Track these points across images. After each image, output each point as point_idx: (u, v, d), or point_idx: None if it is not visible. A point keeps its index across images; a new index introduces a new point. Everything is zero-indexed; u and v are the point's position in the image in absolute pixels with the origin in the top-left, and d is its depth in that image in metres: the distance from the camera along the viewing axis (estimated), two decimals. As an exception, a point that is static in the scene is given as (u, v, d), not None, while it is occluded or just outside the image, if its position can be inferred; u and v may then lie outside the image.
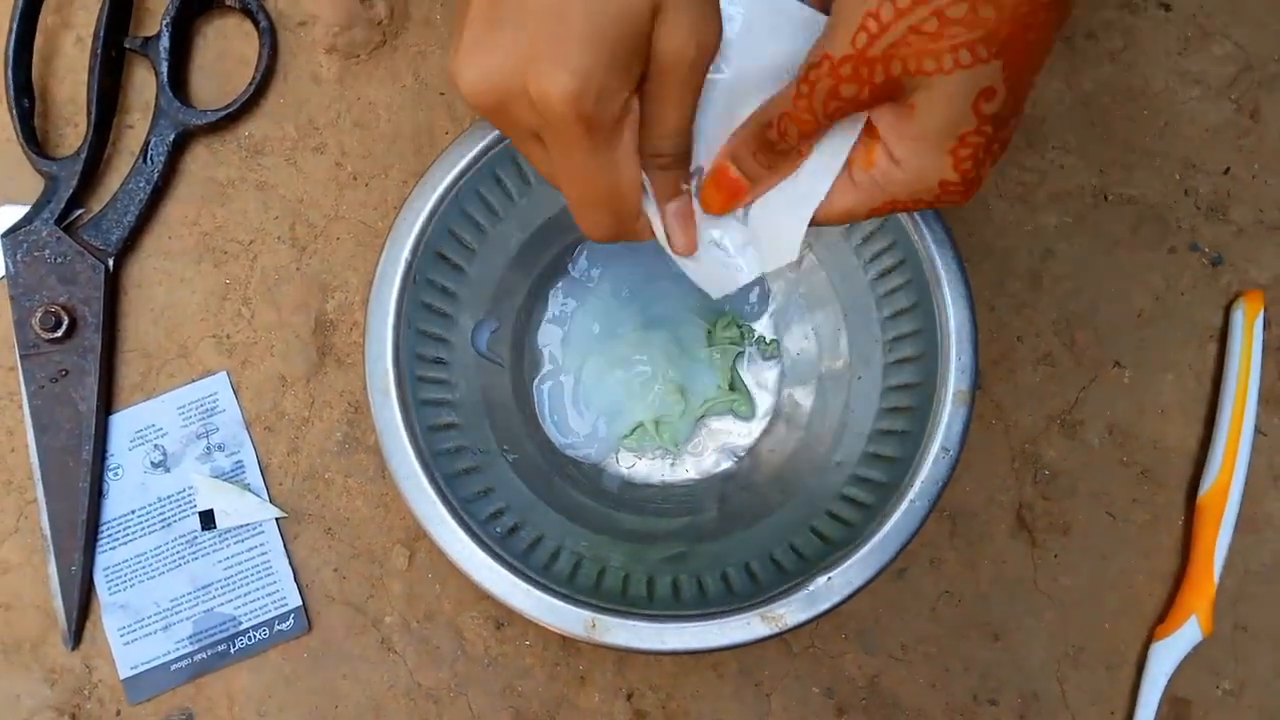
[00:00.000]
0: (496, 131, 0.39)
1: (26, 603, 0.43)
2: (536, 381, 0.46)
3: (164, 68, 0.45)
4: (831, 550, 0.38)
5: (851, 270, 0.43)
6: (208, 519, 0.44)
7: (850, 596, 0.36)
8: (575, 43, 0.27)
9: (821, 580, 0.36)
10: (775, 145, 0.32)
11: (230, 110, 0.45)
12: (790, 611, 0.36)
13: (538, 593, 0.36)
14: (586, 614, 0.36)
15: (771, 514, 0.42)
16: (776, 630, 0.36)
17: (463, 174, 0.39)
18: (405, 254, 0.39)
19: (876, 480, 0.40)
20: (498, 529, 0.39)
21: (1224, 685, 0.45)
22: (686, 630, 0.36)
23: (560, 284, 0.46)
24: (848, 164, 0.32)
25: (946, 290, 0.38)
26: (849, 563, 0.36)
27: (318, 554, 0.44)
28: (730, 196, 0.34)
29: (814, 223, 0.33)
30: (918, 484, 0.37)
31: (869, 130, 0.31)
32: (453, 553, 0.37)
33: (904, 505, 0.37)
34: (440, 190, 0.39)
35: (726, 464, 0.45)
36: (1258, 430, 0.46)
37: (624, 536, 0.42)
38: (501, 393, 0.44)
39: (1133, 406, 0.46)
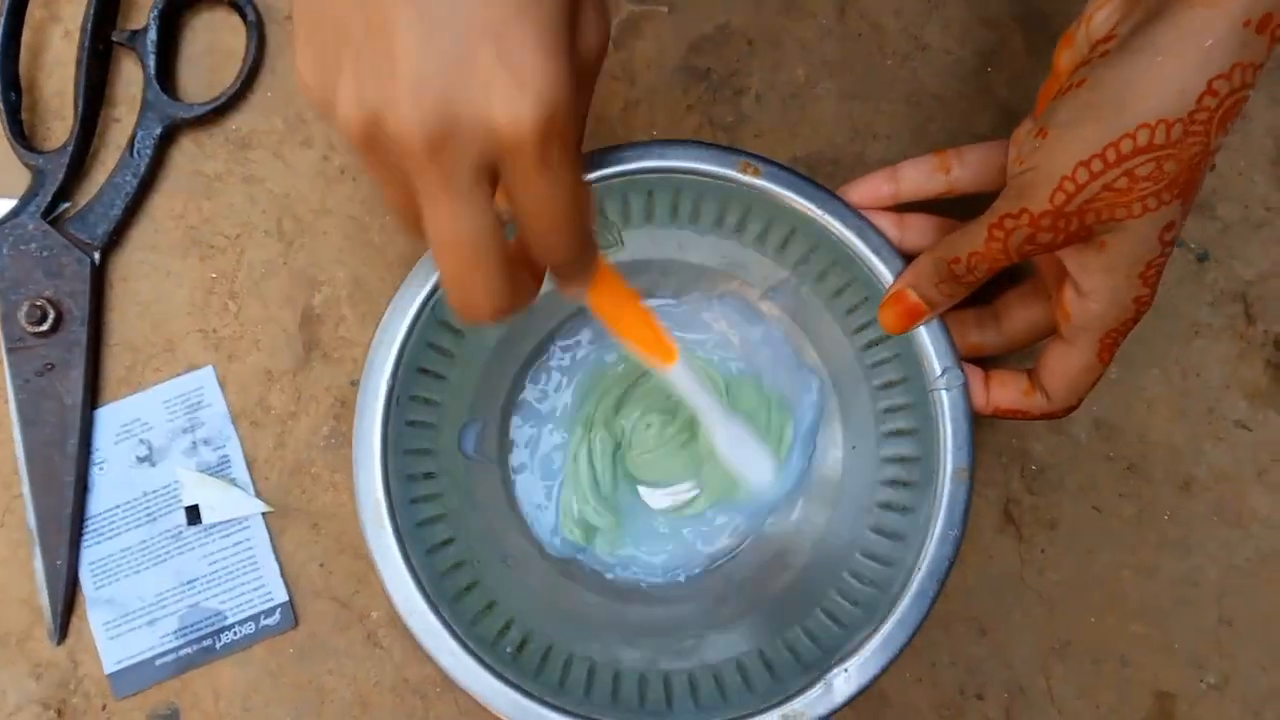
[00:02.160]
0: None
1: (11, 597, 0.43)
2: (513, 475, 0.45)
3: (151, 61, 0.45)
4: (844, 633, 0.38)
5: (837, 340, 0.42)
6: (193, 514, 0.44)
7: (867, 686, 0.36)
8: (533, 46, 0.24)
9: (839, 673, 0.36)
10: (961, 278, 0.36)
11: (217, 104, 0.45)
12: (810, 707, 0.36)
13: (557, 717, 0.36)
14: None
15: (780, 594, 0.42)
16: None
17: (432, 292, 0.38)
18: (385, 380, 0.38)
19: (882, 557, 0.40)
20: (507, 648, 0.38)
21: (1208, 679, 0.45)
22: None
23: (539, 371, 0.45)
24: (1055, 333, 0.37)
25: (936, 363, 0.38)
26: (864, 653, 0.37)
27: (304, 549, 0.44)
28: (909, 319, 0.38)
29: (1065, 409, 0.38)
30: (924, 566, 0.37)
31: (1058, 287, 0.36)
32: (472, 689, 0.36)
33: (913, 589, 0.37)
34: (413, 311, 0.38)
35: (728, 541, 0.45)
36: (1243, 426, 0.46)
37: (633, 631, 0.42)
38: (492, 493, 0.43)
39: (1119, 402, 0.46)
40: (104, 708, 0.43)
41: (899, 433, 0.40)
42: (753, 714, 0.36)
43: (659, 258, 0.43)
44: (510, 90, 0.24)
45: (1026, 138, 0.34)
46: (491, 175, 0.25)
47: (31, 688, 0.43)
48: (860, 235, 0.38)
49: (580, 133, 0.27)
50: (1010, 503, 0.46)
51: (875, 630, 0.37)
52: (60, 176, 0.44)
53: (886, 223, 0.39)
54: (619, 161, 0.38)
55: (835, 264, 0.40)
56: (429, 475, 0.40)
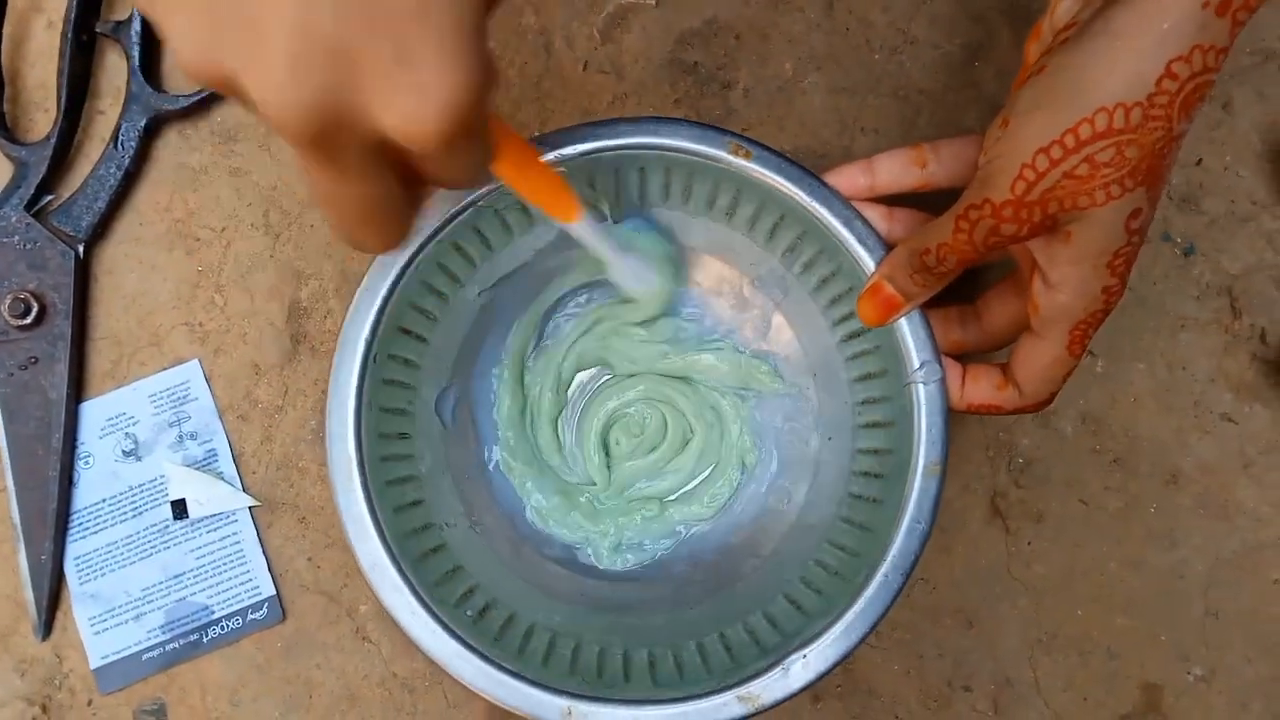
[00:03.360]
0: (454, 205, 0.38)
1: (-5, 593, 0.43)
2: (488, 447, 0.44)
3: (136, 52, 0.45)
4: (805, 621, 0.38)
5: (819, 331, 0.42)
6: (180, 508, 0.44)
7: (824, 674, 0.36)
8: (441, 48, 0.21)
9: (797, 659, 0.36)
10: (932, 269, 0.36)
11: (203, 95, 0.45)
12: (766, 690, 0.36)
13: (514, 682, 0.36)
14: (563, 702, 0.36)
15: (744, 579, 0.42)
16: (752, 710, 0.36)
17: (418, 252, 0.38)
18: (364, 334, 0.38)
19: (849, 547, 0.40)
20: (469, 611, 0.38)
21: (1195, 671, 0.45)
22: (665, 714, 0.36)
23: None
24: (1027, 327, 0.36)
25: (914, 357, 0.38)
26: (823, 640, 0.37)
27: (291, 543, 0.44)
28: (887, 310, 0.38)
29: (1037, 403, 0.38)
30: (890, 557, 0.37)
31: (1029, 280, 0.36)
32: (425, 644, 0.36)
33: (878, 579, 0.37)
34: (397, 269, 0.38)
35: (698, 525, 0.45)
36: (1228, 419, 0.46)
37: (596, 605, 0.42)
38: (466, 462, 0.43)
39: (1105, 395, 0.46)
40: (89, 703, 0.43)
41: (874, 425, 0.40)
42: (709, 693, 0.36)
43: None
44: (411, 97, 0.21)
45: (993, 129, 0.34)
46: (382, 147, 0.23)
47: (16, 684, 0.42)
48: (847, 225, 0.38)
49: (488, 107, 0.24)
50: (997, 496, 0.46)
51: (837, 619, 0.37)
52: (44, 168, 0.44)
53: (875, 215, 0.39)
54: (611, 136, 0.38)
55: (821, 253, 0.40)
56: (403, 435, 0.40)
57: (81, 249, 0.44)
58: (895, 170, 0.39)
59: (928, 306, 0.39)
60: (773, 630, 0.39)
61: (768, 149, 0.39)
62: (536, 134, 0.38)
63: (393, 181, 0.25)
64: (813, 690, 0.44)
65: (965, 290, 0.38)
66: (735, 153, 0.38)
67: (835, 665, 0.36)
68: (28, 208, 0.44)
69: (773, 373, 0.44)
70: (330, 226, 0.26)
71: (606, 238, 0.38)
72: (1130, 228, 0.32)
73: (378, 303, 0.38)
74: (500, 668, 0.36)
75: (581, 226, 0.37)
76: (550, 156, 0.38)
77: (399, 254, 0.38)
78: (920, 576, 0.45)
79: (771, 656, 0.37)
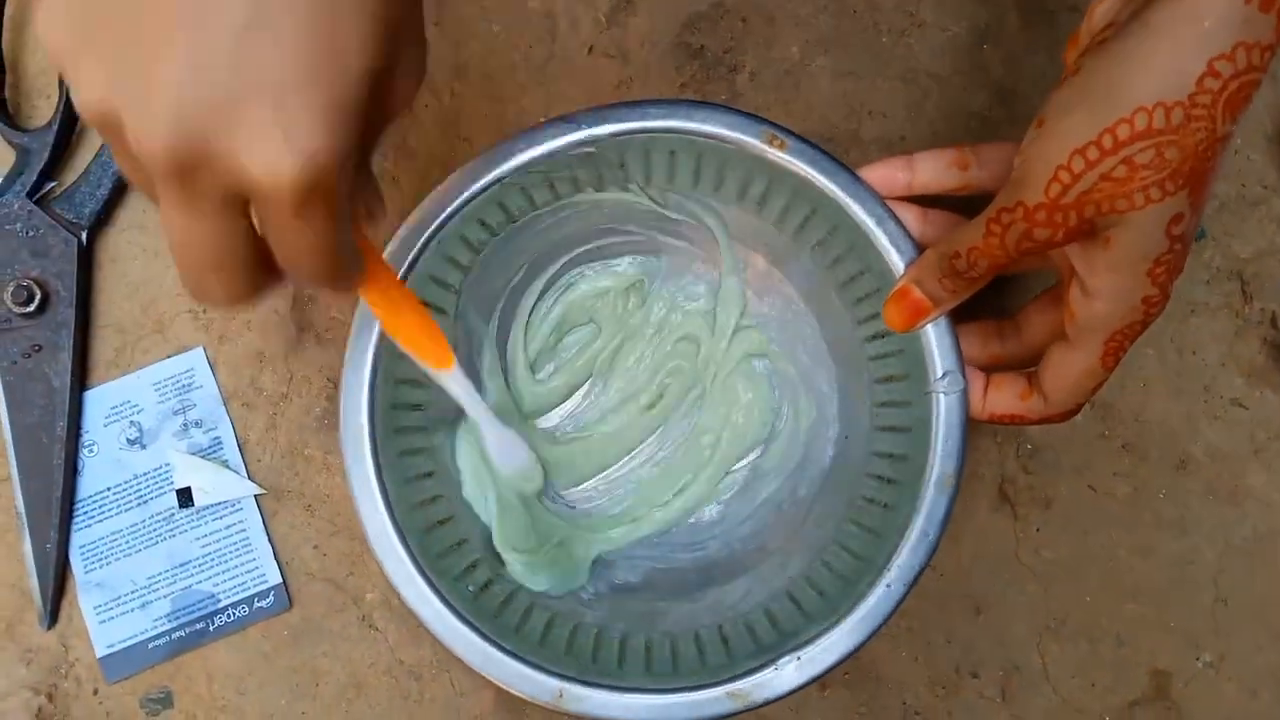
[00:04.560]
0: (478, 179, 0.38)
1: (1, 582, 0.43)
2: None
3: (137, 38, 0.44)
4: (805, 621, 0.38)
5: (844, 327, 0.42)
6: (185, 496, 0.43)
7: (819, 676, 0.36)
8: (317, 112, 0.23)
9: (791, 661, 0.36)
10: (963, 273, 0.35)
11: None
12: (758, 688, 0.36)
13: (508, 660, 0.36)
14: (556, 683, 0.36)
15: (747, 572, 0.42)
16: (742, 707, 0.36)
17: (440, 226, 0.38)
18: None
19: (856, 551, 0.39)
20: (470, 586, 0.38)
21: (1204, 658, 0.45)
22: (655, 703, 0.36)
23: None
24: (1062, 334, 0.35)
25: (938, 365, 0.37)
26: (820, 644, 0.36)
27: (297, 531, 0.44)
28: (914, 315, 0.37)
29: (1063, 413, 0.37)
30: (895, 568, 0.37)
31: (1066, 287, 0.34)
32: (423, 615, 0.36)
33: (880, 589, 0.37)
34: (419, 244, 0.38)
35: (709, 512, 0.45)
36: (1239, 404, 0.46)
37: (599, 591, 0.42)
38: (479, 434, 0.43)
39: (1115, 381, 0.46)
40: (95, 692, 0.42)
41: (892, 429, 0.40)
42: (701, 686, 0.36)
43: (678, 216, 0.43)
44: (277, 146, 0.22)
45: (1029, 131, 0.33)
46: (239, 199, 0.24)
47: (21, 673, 0.42)
48: (880, 224, 0.38)
49: (348, 184, 0.25)
50: (1005, 482, 0.46)
51: (836, 623, 0.36)
52: (45, 155, 0.43)
53: (910, 215, 0.38)
54: (642, 118, 0.38)
55: (851, 250, 0.39)
56: (417, 407, 0.40)
57: (84, 236, 0.44)
58: (936, 170, 0.39)
59: (967, 320, 0.38)
60: (771, 628, 0.39)
61: (804, 140, 0.38)
62: (561, 113, 0.38)
63: (243, 236, 0.25)
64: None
65: (1003, 305, 0.37)
66: (770, 142, 0.38)
67: (830, 669, 0.36)
68: (30, 195, 0.43)
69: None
70: (178, 271, 0.26)
71: (477, 399, 0.37)
72: (1172, 234, 0.31)
73: (399, 270, 0.37)
74: (496, 645, 0.36)
75: (453, 378, 0.35)
76: (581, 135, 0.37)
77: (422, 227, 0.37)
78: (928, 565, 0.45)
79: (767, 655, 0.37)
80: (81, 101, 0.23)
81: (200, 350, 0.44)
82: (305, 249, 0.25)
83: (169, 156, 0.23)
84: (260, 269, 0.26)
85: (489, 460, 0.40)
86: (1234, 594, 0.45)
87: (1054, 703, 0.44)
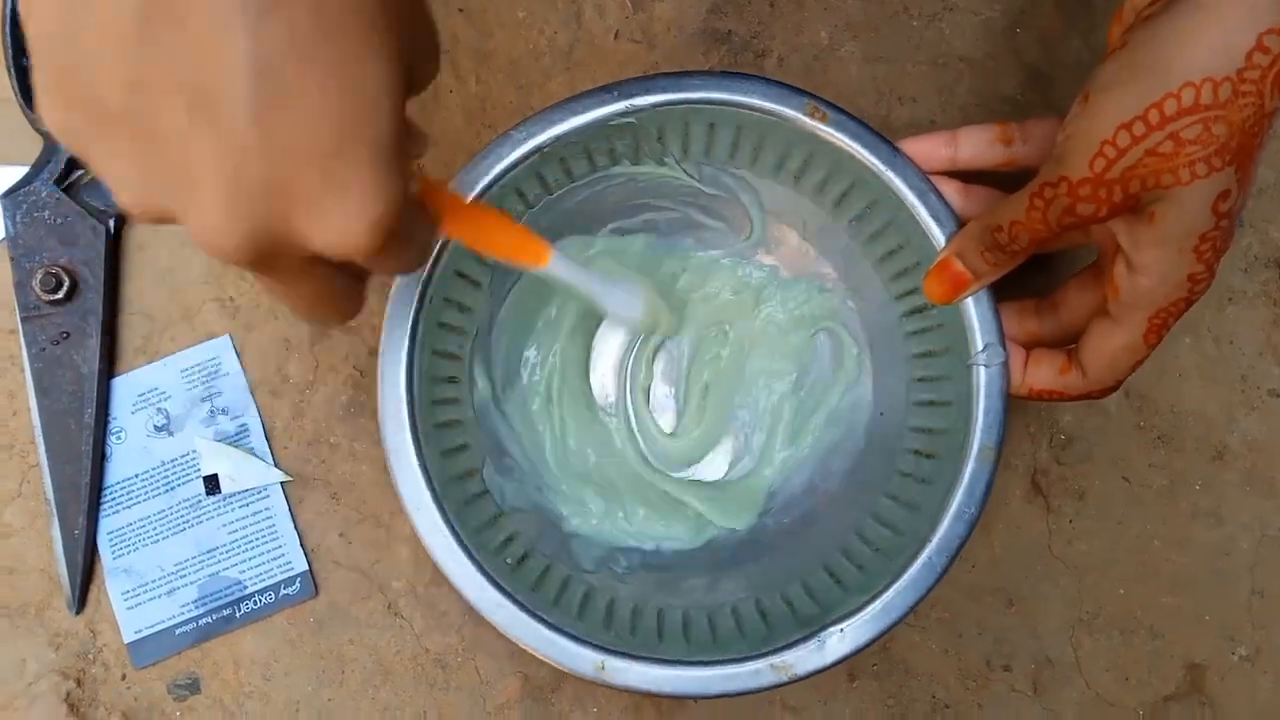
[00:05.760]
0: (514, 152, 0.37)
1: (30, 567, 0.43)
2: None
3: (164, 25, 0.44)
4: (843, 594, 0.37)
5: (881, 303, 0.41)
6: (212, 483, 0.43)
7: (860, 649, 0.36)
8: (365, 170, 0.22)
9: (834, 632, 0.36)
10: (1005, 247, 0.35)
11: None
12: (800, 661, 0.36)
13: (549, 633, 0.36)
14: (597, 656, 0.36)
15: (784, 547, 0.41)
16: (784, 679, 0.36)
17: (505, 172, 0.38)
18: (420, 279, 0.37)
19: (895, 525, 0.39)
20: (508, 559, 0.38)
21: (1240, 651, 0.44)
22: (698, 675, 0.36)
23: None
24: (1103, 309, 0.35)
25: (979, 338, 0.37)
26: (861, 616, 0.36)
27: (323, 518, 0.44)
28: (954, 288, 0.37)
29: (1102, 389, 0.36)
30: (936, 539, 0.36)
31: (1110, 263, 0.34)
32: (463, 588, 0.36)
33: (921, 561, 0.36)
34: (472, 196, 0.37)
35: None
36: (1276, 394, 0.45)
37: (636, 565, 0.42)
38: (518, 408, 0.43)
39: (1151, 370, 0.45)
40: (123, 677, 0.43)
41: (930, 403, 0.40)
42: (742, 659, 0.36)
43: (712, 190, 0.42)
44: (340, 218, 0.22)
45: (1073, 106, 0.32)
46: (319, 257, 0.24)
47: (50, 657, 0.43)
48: (921, 198, 0.37)
49: (408, 209, 0.25)
50: (1038, 473, 0.45)
51: (876, 596, 0.36)
52: (74, 143, 0.43)
53: (951, 190, 0.38)
54: (683, 89, 0.37)
55: (891, 224, 0.39)
56: (453, 380, 0.40)
57: (112, 224, 0.44)
58: (979, 145, 0.38)
59: (1003, 298, 0.38)
60: (810, 602, 0.38)
61: (845, 113, 0.37)
62: (602, 83, 0.38)
63: (334, 275, 0.25)
64: (848, 668, 0.43)
65: (1041, 285, 0.37)
66: (812, 114, 0.37)
67: (872, 642, 0.36)
68: (58, 183, 0.43)
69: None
70: (298, 316, 0.27)
71: (583, 270, 0.36)
72: (1218, 210, 0.30)
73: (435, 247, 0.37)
74: (536, 617, 0.36)
75: (555, 265, 0.35)
76: (621, 106, 0.37)
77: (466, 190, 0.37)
78: (960, 555, 0.44)
79: (807, 628, 0.36)
80: (124, 203, 0.23)
81: (227, 338, 0.44)
82: (400, 265, 0.26)
83: (240, 255, 0.22)
84: (358, 283, 0.27)
85: (625, 322, 0.40)
86: (1270, 586, 0.44)
87: (1087, 696, 0.44)
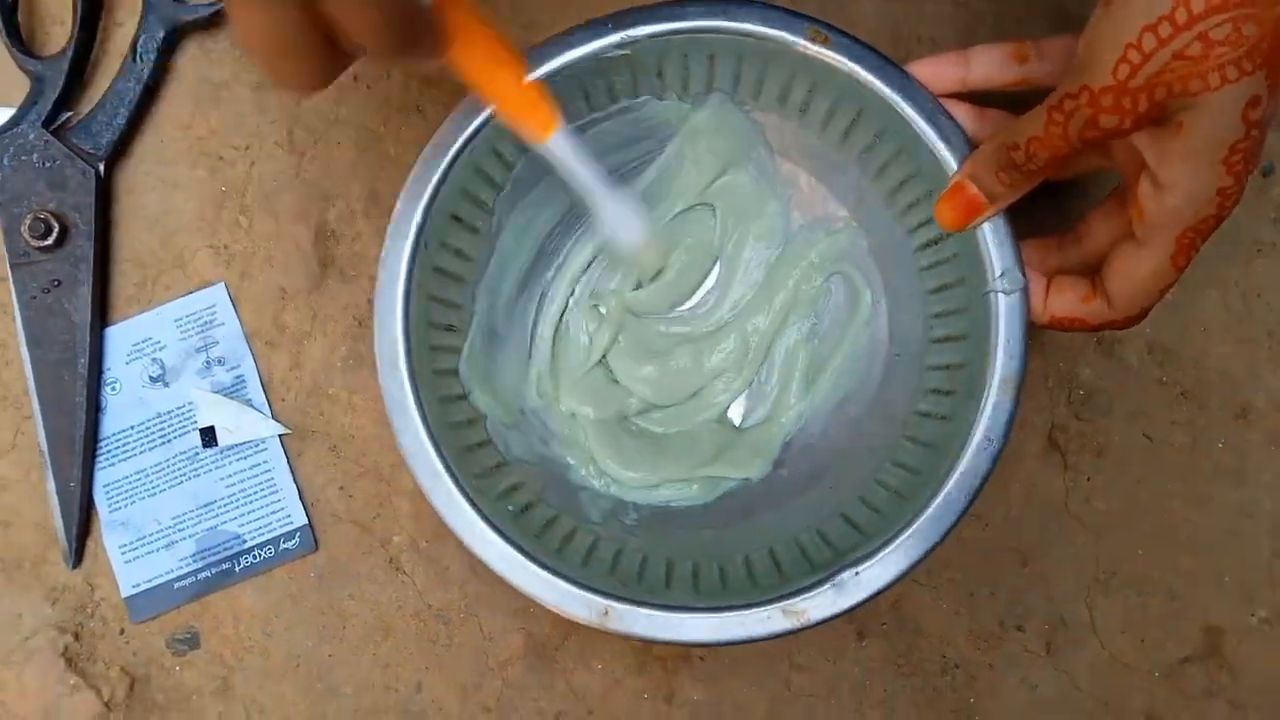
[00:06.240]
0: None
1: (26, 520, 0.42)
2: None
3: (152, -41, 0.42)
4: (861, 539, 0.36)
5: (893, 239, 0.40)
6: (209, 435, 0.42)
7: (878, 593, 0.34)
8: None
9: (849, 574, 0.34)
10: (1021, 166, 0.33)
11: (222, 6, 0.43)
12: (814, 606, 0.34)
13: (552, 578, 0.35)
14: (602, 601, 0.35)
15: (800, 495, 0.40)
16: (798, 625, 0.34)
17: (472, 136, 0.37)
18: (417, 217, 0.36)
19: (913, 466, 0.37)
20: (509, 506, 0.37)
21: (1259, 613, 0.43)
22: (705, 622, 0.34)
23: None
24: (1128, 232, 0.33)
25: (995, 264, 0.35)
26: (879, 558, 0.34)
27: (323, 471, 0.43)
28: (968, 213, 0.35)
29: (1127, 318, 0.34)
30: (956, 475, 0.35)
31: (1133, 182, 0.32)
32: (463, 535, 0.35)
33: (940, 498, 0.35)
34: (450, 153, 0.36)
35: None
36: (1305, 350, 0.44)
37: (645, 516, 0.41)
38: (517, 352, 0.42)
39: (1174, 324, 0.44)
40: (121, 632, 0.42)
41: (948, 339, 0.38)
42: (754, 605, 0.35)
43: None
44: None
45: (1095, 11, 0.30)
46: None
47: (48, 612, 0.42)
48: (930, 120, 0.36)
49: None
50: (1056, 428, 0.44)
51: (893, 538, 0.35)
52: (60, 83, 0.42)
53: (963, 113, 0.36)
54: (680, 18, 0.36)
55: (900, 152, 0.37)
56: (451, 328, 0.38)
57: (102, 167, 0.42)
58: (992, 64, 0.36)
59: (1022, 235, 0.36)
60: (825, 546, 0.37)
61: (848, 35, 0.36)
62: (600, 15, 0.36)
63: (308, 20, 0.25)
64: (858, 627, 0.43)
65: (1061, 218, 0.35)
66: (814, 38, 0.36)
67: (891, 584, 0.35)
68: (45, 124, 0.42)
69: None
70: (252, 60, 0.26)
71: (591, 161, 0.34)
72: (1249, 118, 0.29)
73: (430, 187, 0.36)
74: (540, 563, 0.35)
75: (558, 142, 0.32)
76: (616, 38, 0.36)
77: (453, 137, 0.36)
78: (972, 512, 0.43)
79: (821, 573, 0.35)
80: None
81: (222, 286, 0.43)
82: (371, 21, 0.25)
83: None
84: (330, 50, 0.26)
85: (611, 238, 0.38)
86: (1293, 548, 0.43)
87: (1101, 658, 0.43)
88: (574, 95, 0.37)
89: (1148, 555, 0.43)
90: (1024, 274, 0.35)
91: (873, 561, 0.35)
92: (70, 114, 0.43)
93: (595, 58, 0.36)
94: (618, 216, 0.37)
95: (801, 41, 0.36)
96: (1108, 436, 0.44)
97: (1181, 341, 0.44)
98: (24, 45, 0.43)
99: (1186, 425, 0.44)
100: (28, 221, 0.41)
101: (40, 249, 0.41)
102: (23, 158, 0.42)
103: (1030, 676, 0.43)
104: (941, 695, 0.43)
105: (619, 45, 0.36)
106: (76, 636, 0.42)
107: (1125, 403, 0.44)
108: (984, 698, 0.43)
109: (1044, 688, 0.43)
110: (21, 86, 0.43)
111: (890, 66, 0.36)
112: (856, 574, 0.34)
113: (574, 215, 0.42)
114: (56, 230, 0.41)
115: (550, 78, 0.36)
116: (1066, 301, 0.36)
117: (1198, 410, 0.44)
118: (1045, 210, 0.36)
